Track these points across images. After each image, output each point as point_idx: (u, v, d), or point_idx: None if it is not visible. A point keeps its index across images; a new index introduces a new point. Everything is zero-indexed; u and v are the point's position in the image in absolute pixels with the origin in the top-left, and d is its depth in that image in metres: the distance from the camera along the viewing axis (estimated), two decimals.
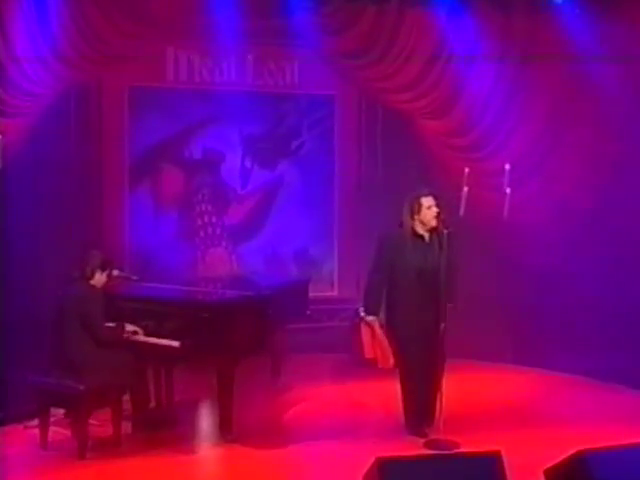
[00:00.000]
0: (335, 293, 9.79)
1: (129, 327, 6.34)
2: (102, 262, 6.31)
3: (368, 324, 6.32)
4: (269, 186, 9.77)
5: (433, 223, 6.20)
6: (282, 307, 7.01)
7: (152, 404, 6.72)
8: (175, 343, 6.16)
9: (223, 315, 6.21)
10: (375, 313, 6.36)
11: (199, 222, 9.51)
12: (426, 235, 6.29)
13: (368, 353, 6.32)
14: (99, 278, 6.29)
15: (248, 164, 9.67)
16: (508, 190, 8.41)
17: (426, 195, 6.26)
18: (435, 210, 6.21)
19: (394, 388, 6.55)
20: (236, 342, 6.24)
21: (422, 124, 9.41)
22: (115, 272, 6.50)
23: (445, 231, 6.10)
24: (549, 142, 8.87)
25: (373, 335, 6.28)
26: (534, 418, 6.96)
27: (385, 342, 6.24)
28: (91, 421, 6.30)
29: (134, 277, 6.74)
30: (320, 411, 7.28)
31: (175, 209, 9.50)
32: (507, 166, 8.39)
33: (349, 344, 8.95)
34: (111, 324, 6.30)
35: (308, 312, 7.61)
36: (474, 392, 7.74)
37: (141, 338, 6.31)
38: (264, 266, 9.59)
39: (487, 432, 6.48)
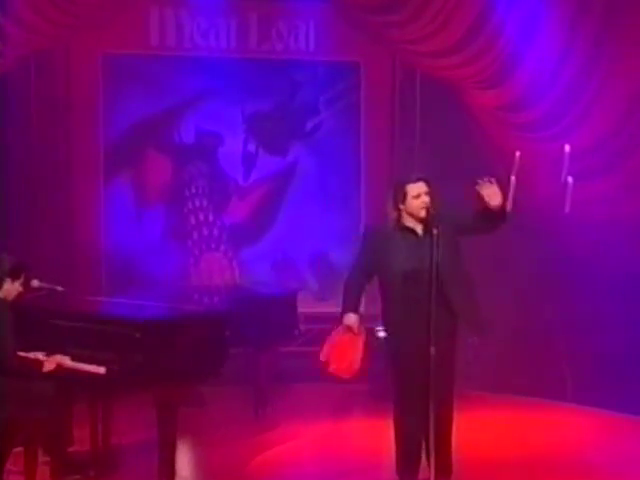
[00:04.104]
0: (360, 309, 9.44)
1: (47, 365, 6.04)
2: (13, 269, 6.12)
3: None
4: (278, 176, 9.70)
5: (422, 214, 6.02)
6: (257, 326, 6.99)
7: (74, 446, 6.56)
8: (100, 369, 5.98)
9: (159, 335, 6.05)
10: (349, 310, 6.34)
11: (192, 221, 9.49)
12: (418, 228, 6.11)
13: (323, 355, 6.28)
14: (9, 289, 6.11)
15: (252, 149, 9.59)
16: (570, 179, 8.28)
17: (414, 181, 6.10)
18: (424, 200, 6.02)
19: None
20: (177, 368, 6.07)
21: (471, 96, 9.15)
22: (35, 282, 6.39)
23: (435, 231, 5.84)
24: (634, 125, 8.49)
25: (338, 335, 6.26)
26: (579, 470, 6.64)
27: (349, 346, 6.22)
28: (10, 467, 6.16)
29: (59, 288, 6.64)
30: (303, 454, 7.14)
31: (162, 205, 9.49)
32: (567, 148, 8.27)
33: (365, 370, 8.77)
34: (25, 354, 6.09)
35: (296, 332, 7.58)
36: (513, 435, 7.52)
37: (63, 362, 6.10)
38: (272, 274, 9.55)
39: None
